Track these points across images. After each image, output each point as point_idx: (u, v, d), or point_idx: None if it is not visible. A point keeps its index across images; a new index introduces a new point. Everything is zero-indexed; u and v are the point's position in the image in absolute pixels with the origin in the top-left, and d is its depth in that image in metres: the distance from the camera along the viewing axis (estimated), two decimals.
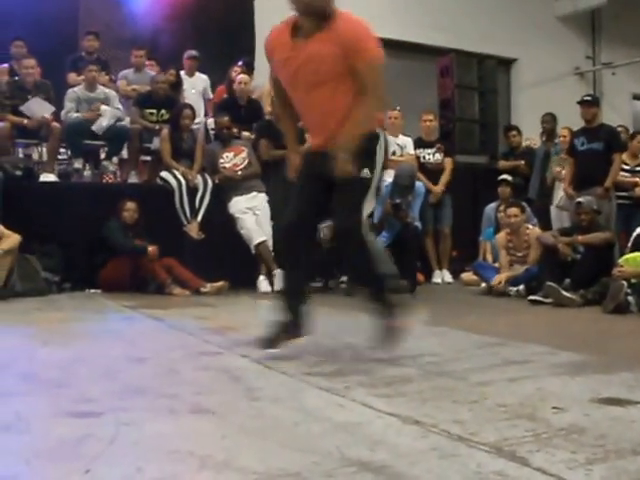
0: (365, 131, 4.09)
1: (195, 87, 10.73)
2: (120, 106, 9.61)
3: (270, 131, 9.17)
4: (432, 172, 10.08)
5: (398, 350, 4.20)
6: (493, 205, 10.07)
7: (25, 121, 8.89)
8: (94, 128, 9.20)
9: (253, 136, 9.57)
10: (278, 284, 8.32)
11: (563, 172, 9.61)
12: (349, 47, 3.95)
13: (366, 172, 4.08)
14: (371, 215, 4.36)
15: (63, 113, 9.35)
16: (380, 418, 2.94)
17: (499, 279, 8.36)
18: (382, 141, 4.27)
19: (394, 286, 4.41)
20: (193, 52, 10.80)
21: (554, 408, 3.05)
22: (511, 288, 8.22)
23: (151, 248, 8.07)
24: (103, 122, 9.20)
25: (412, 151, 9.93)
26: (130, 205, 8.34)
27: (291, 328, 4.34)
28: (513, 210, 8.61)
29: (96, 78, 9.43)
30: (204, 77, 10.92)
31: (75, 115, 9.20)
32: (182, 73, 10.71)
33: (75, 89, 9.41)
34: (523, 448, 2.50)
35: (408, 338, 4.25)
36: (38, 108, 8.94)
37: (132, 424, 2.82)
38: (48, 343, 4.82)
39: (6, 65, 9.85)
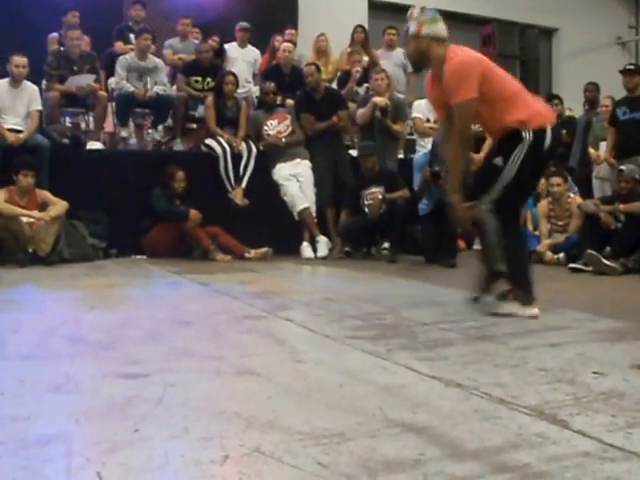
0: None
1: (245, 58, 10.71)
2: (165, 77, 9.66)
3: (310, 103, 9.21)
4: (474, 140, 9.99)
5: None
6: None
7: (74, 89, 8.91)
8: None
9: (294, 109, 9.53)
10: (321, 250, 8.41)
11: (600, 153, 9.55)
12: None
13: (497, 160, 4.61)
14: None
15: (114, 80, 9.45)
16: (422, 381, 2.98)
17: (544, 247, 8.33)
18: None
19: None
20: (244, 24, 10.74)
21: (594, 373, 3.07)
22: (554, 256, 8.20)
23: (193, 212, 8.14)
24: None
25: None
26: (180, 175, 8.37)
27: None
28: (556, 179, 8.52)
29: (149, 47, 9.48)
30: (256, 50, 10.88)
31: (126, 86, 9.22)
32: (234, 44, 10.71)
33: (127, 56, 9.45)
34: (564, 411, 2.54)
35: (449, 303, 4.27)
36: (81, 81, 9.01)
37: (179, 385, 2.88)
38: (95, 307, 4.91)
39: (56, 34, 9.92)
